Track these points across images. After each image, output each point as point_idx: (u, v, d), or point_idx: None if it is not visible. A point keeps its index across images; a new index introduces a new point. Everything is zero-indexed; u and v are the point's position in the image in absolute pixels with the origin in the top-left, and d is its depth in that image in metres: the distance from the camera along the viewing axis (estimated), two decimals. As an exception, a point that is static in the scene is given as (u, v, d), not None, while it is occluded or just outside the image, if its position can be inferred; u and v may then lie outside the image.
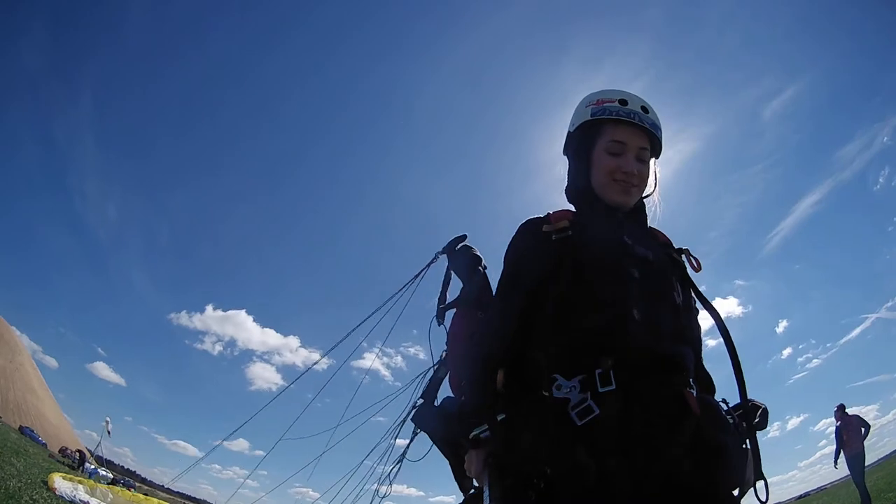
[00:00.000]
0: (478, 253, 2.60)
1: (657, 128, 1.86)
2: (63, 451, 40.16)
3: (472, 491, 2.05)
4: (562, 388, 1.52)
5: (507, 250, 1.88)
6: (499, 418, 1.69)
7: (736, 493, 1.57)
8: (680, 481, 1.40)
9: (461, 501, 2.18)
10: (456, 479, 2.18)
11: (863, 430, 10.72)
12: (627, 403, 1.46)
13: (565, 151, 2.03)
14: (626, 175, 1.82)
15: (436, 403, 2.48)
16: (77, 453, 33.82)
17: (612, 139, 1.83)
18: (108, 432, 33.13)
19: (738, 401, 1.68)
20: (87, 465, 28.75)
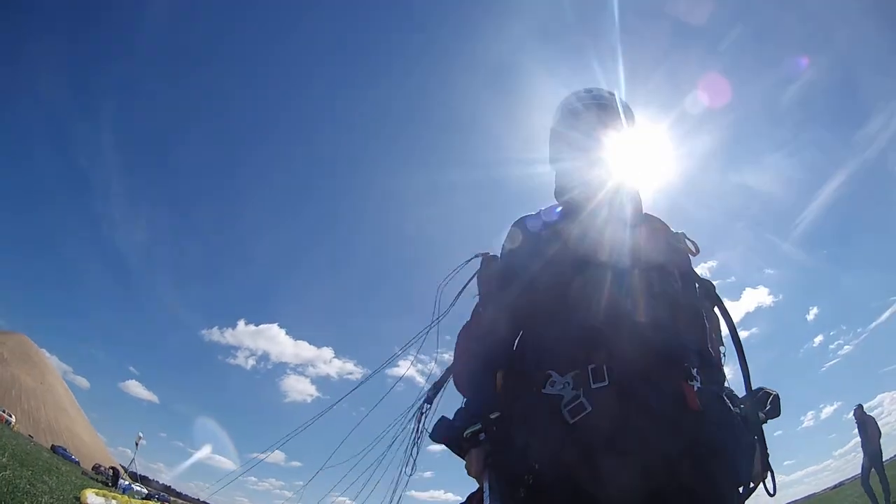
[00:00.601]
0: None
1: (627, 108, 1.97)
2: (96, 468, 40.38)
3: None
4: (555, 384, 1.51)
5: (501, 249, 1.94)
6: (493, 416, 1.68)
7: (742, 489, 1.54)
8: (678, 481, 1.36)
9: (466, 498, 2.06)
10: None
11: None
12: (621, 400, 1.43)
13: (550, 153, 2.09)
14: None
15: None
16: (111, 470, 33.97)
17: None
18: (139, 444, 33.31)
19: (745, 390, 1.66)
20: (121, 481, 28.80)
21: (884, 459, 11.06)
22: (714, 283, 1.82)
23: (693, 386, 1.53)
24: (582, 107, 1.94)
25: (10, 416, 47.47)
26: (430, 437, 2.26)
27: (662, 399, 1.45)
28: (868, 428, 11.24)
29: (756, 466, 1.57)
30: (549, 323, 1.64)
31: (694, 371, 1.59)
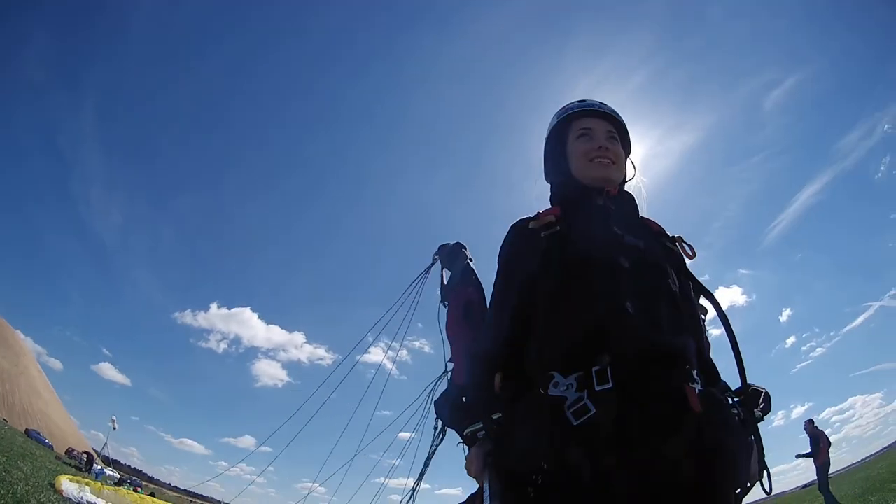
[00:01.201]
0: (462, 246, 2.78)
1: (617, 113, 2.01)
2: (70, 452, 40.14)
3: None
4: (559, 385, 1.51)
5: (500, 251, 1.92)
6: (495, 417, 1.71)
7: (740, 490, 1.55)
8: (680, 482, 1.37)
9: (467, 497, 2.23)
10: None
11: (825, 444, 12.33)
12: (625, 402, 1.43)
13: (545, 167, 2.16)
14: (600, 150, 1.92)
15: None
16: (84, 455, 33.85)
17: (580, 128, 1.98)
18: (115, 427, 33.21)
19: (739, 387, 1.69)
20: (94, 466, 28.76)
21: (860, 460, 12.30)
22: (712, 292, 1.85)
23: (694, 388, 1.52)
24: (575, 115, 2.00)
25: (-16, 400, 46.81)
26: (436, 411, 2.51)
27: (665, 401, 1.45)
28: (820, 441, 12.31)
29: (753, 466, 1.59)
30: (551, 324, 1.63)
31: (694, 373, 1.58)
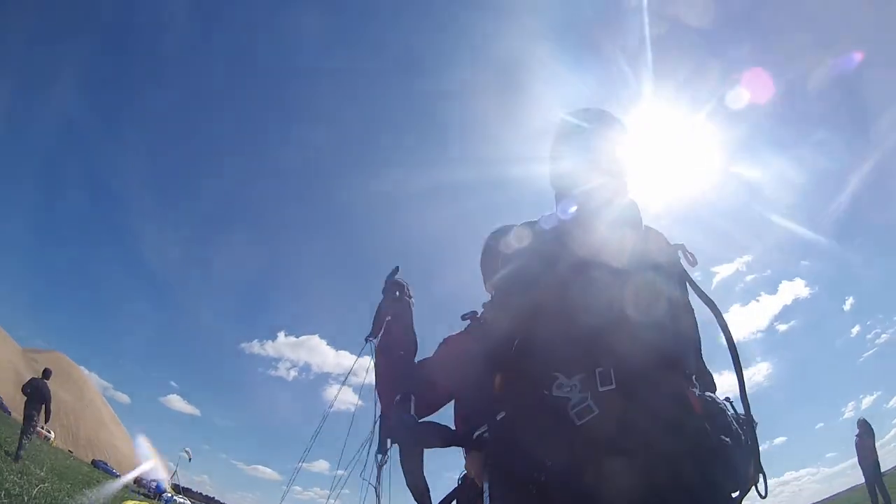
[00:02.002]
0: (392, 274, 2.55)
1: (620, 122, 2.06)
2: (139, 480, 40.14)
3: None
4: (562, 386, 1.54)
5: (503, 252, 1.97)
6: (498, 417, 1.71)
7: (737, 494, 1.59)
8: (681, 482, 1.39)
9: (449, 492, 2.25)
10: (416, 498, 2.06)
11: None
12: (627, 402, 1.46)
13: (551, 172, 2.15)
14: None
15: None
16: (154, 483, 33.75)
17: None
18: (189, 458, 33.89)
19: (739, 397, 1.70)
20: (164, 494, 28.49)
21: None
22: (713, 299, 1.79)
23: (694, 392, 1.58)
24: (577, 122, 2.02)
25: (49, 433, 47.77)
26: (389, 437, 2.21)
27: (667, 402, 1.48)
28: (868, 441, 12.51)
29: (751, 470, 1.61)
30: (553, 325, 1.64)
31: (693, 378, 1.65)
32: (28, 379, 14.77)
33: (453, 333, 2.39)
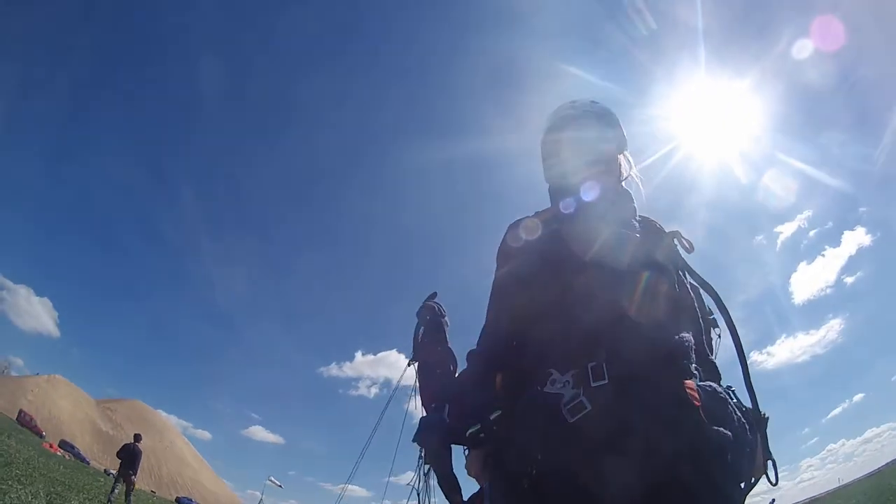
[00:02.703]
0: (431, 297, 3.23)
1: (611, 113, 2.05)
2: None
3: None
4: (555, 383, 1.53)
5: (498, 250, 1.96)
6: (493, 416, 1.72)
7: (744, 485, 1.56)
8: (678, 477, 1.36)
9: (466, 500, 2.33)
10: (445, 495, 2.42)
11: None
12: (621, 397, 1.43)
13: (544, 167, 2.15)
14: None
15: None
16: None
17: None
18: (280, 485, 34.26)
19: (745, 388, 1.68)
20: None
21: None
22: (713, 286, 1.81)
23: (692, 383, 1.52)
24: (569, 114, 2.00)
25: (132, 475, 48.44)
26: (414, 440, 2.53)
27: (662, 396, 1.45)
28: None
29: (758, 460, 1.58)
30: (549, 322, 1.64)
31: (692, 367, 1.60)
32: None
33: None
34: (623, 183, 1.99)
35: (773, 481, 1.61)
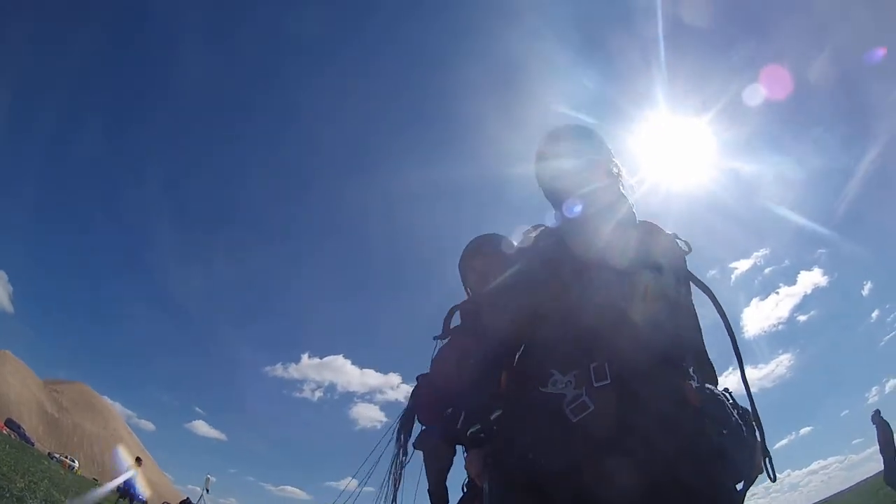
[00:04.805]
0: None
1: (600, 138, 2.04)
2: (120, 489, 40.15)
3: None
4: (557, 383, 1.54)
5: (506, 256, 2.10)
6: (494, 416, 1.75)
7: (743, 484, 1.57)
8: (679, 478, 1.37)
9: (458, 500, 2.30)
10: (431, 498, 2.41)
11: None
12: (623, 398, 1.45)
13: (539, 178, 2.13)
14: None
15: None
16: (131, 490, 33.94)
17: None
18: (207, 490, 33.61)
19: (744, 390, 1.71)
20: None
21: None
22: (711, 287, 1.87)
23: (691, 384, 1.56)
24: (552, 135, 2.01)
25: (74, 462, 48.04)
26: (416, 445, 2.58)
27: (663, 397, 1.47)
28: (886, 433, 12.27)
29: (756, 459, 1.60)
30: (550, 324, 1.66)
31: (691, 370, 1.63)
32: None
33: (438, 350, 2.64)
34: (621, 187, 1.99)
35: (773, 477, 1.64)
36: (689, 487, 1.37)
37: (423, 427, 2.58)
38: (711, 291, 1.84)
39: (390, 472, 2.72)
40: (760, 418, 1.66)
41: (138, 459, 20.40)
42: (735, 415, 1.57)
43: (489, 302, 2.08)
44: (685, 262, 1.89)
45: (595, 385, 1.48)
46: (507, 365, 1.79)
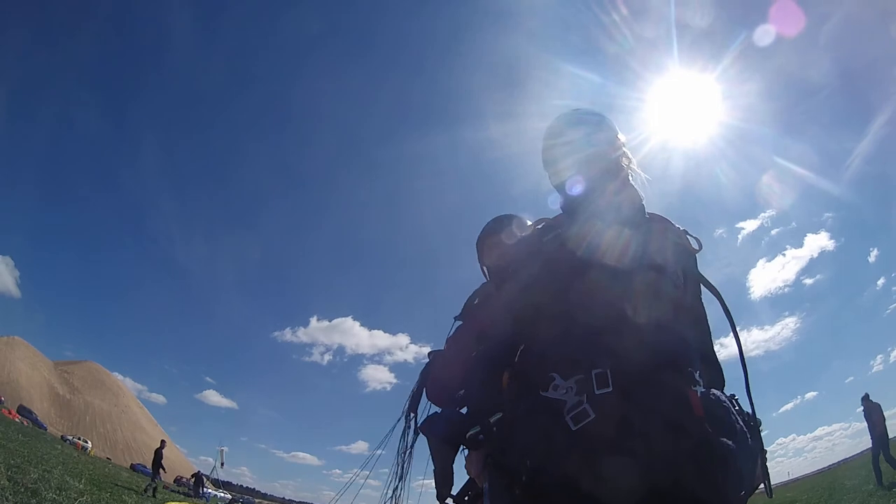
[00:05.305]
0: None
1: (609, 121, 2.00)
2: (178, 480, 41.43)
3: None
4: (558, 388, 1.50)
5: (505, 252, 2.08)
6: (494, 419, 1.74)
7: (744, 493, 1.53)
8: (683, 488, 1.32)
9: (454, 495, 2.28)
10: (437, 487, 2.33)
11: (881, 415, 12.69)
12: (625, 406, 1.41)
13: (548, 173, 2.09)
14: None
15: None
16: (192, 478, 34.71)
17: None
18: (222, 464, 34.25)
19: (745, 394, 1.66)
20: (204, 489, 29.25)
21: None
22: (719, 289, 1.81)
23: (697, 391, 1.49)
24: (556, 125, 1.99)
25: (86, 443, 49.32)
26: (421, 430, 2.52)
27: (667, 405, 1.42)
28: (873, 415, 12.58)
29: (758, 468, 1.57)
30: (552, 325, 1.62)
31: (697, 375, 1.55)
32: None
33: (450, 334, 2.61)
34: (630, 179, 1.95)
35: (769, 494, 1.63)
36: (693, 497, 1.33)
37: (432, 409, 2.58)
38: (720, 294, 1.79)
39: (398, 453, 2.74)
40: (760, 433, 1.61)
41: (162, 442, 21.60)
42: (740, 422, 1.52)
43: (493, 301, 2.04)
44: (695, 260, 1.86)
45: (597, 393, 1.44)
46: (509, 365, 1.77)
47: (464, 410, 2.26)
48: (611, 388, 1.43)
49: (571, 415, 1.43)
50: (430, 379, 2.67)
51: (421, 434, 2.60)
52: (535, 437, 1.50)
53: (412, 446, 2.77)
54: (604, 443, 1.37)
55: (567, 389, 1.48)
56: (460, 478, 2.28)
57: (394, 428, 2.84)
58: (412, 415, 2.74)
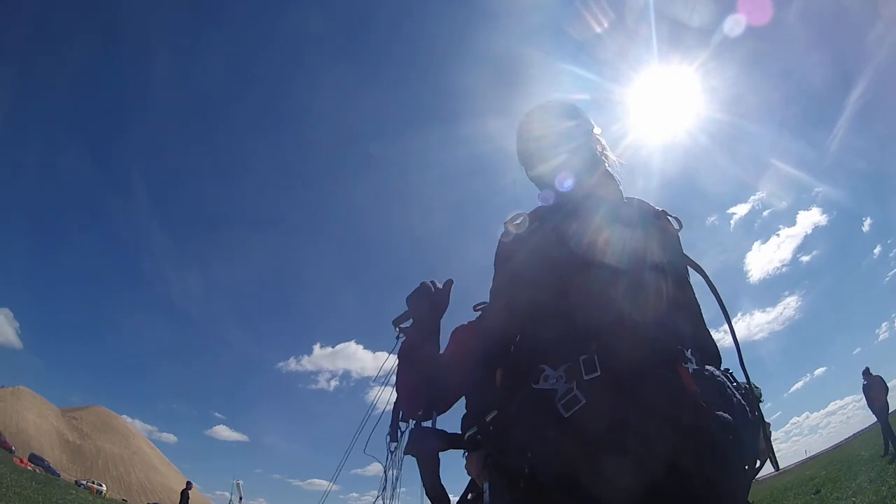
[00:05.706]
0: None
1: (579, 110, 2.02)
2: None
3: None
4: (549, 378, 1.50)
5: (496, 250, 1.92)
6: (490, 417, 1.74)
7: (748, 468, 1.49)
8: (678, 468, 1.30)
9: (456, 501, 2.23)
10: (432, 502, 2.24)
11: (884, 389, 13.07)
12: (615, 389, 1.39)
13: (526, 168, 2.10)
14: None
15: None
16: None
17: None
18: (241, 497, 34.47)
19: (740, 371, 1.66)
20: None
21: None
22: (704, 268, 1.82)
23: (688, 368, 1.47)
24: (527, 120, 2.01)
25: (101, 486, 49.06)
26: (411, 454, 2.28)
27: (657, 385, 1.40)
28: (873, 389, 12.97)
29: (761, 443, 1.55)
30: (542, 320, 1.63)
31: (688, 353, 1.53)
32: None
33: (463, 323, 2.43)
34: (608, 167, 1.96)
35: (776, 467, 1.62)
36: (690, 477, 1.31)
37: (411, 426, 2.28)
38: (705, 272, 1.80)
39: (383, 486, 2.48)
40: (760, 405, 1.60)
41: (189, 483, 22.17)
42: (738, 395, 1.51)
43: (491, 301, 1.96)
44: (678, 239, 1.85)
45: (585, 378, 1.43)
46: (501, 362, 1.76)
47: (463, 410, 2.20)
48: (599, 372, 1.43)
49: (563, 402, 1.43)
50: (401, 393, 2.41)
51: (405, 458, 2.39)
52: (531, 430, 1.49)
53: (397, 479, 2.52)
54: (598, 427, 1.37)
55: (557, 378, 1.49)
56: (450, 488, 2.17)
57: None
58: (394, 444, 2.46)
